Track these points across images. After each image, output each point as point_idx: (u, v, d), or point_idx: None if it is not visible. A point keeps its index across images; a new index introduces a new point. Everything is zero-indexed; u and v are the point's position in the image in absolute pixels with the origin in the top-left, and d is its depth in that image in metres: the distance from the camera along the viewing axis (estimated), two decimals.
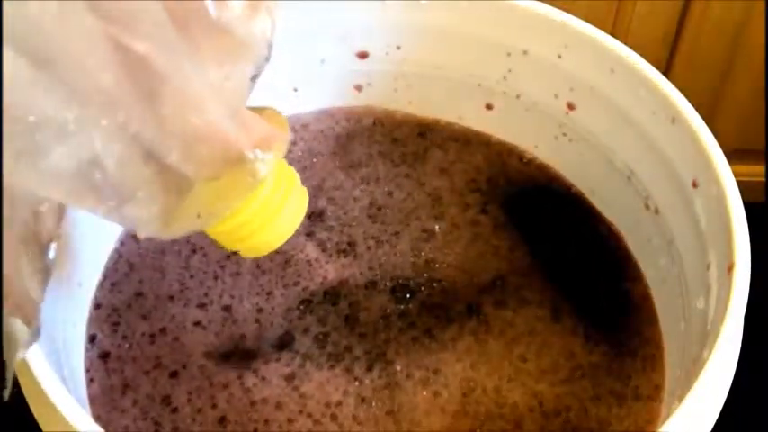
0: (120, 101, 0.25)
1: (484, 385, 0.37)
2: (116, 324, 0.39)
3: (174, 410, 0.36)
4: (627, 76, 0.41)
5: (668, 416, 0.30)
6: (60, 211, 0.30)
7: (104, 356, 0.38)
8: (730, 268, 0.34)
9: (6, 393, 0.28)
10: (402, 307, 0.40)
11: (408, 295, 0.40)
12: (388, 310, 0.40)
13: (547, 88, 0.44)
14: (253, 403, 0.36)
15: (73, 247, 0.38)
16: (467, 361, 0.38)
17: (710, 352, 0.31)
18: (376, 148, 0.46)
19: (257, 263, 0.41)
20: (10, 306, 0.28)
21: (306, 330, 0.39)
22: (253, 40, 0.27)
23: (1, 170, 0.25)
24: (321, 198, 0.44)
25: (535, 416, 0.37)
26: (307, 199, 0.34)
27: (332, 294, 0.40)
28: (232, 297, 0.40)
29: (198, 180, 0.28)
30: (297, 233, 0.42)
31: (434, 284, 0.41)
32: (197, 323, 0.39)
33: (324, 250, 0.42)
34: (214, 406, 0.36)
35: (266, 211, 0.31)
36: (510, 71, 0.45)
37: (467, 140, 0.47)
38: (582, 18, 0.42)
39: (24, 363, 0.30)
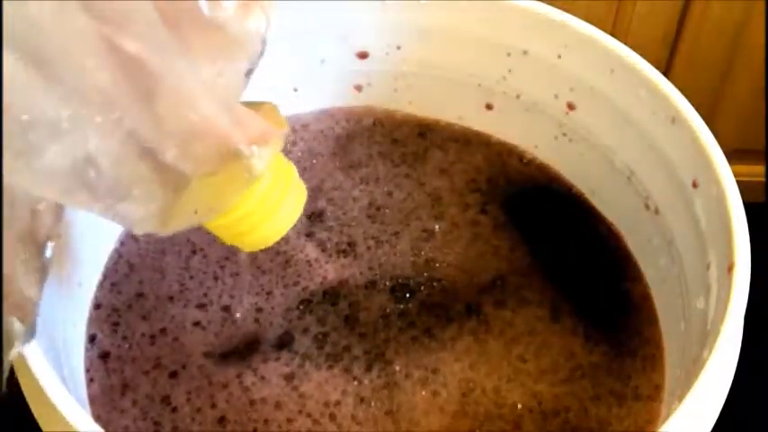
0: (115, 100, 0.25)
1: (483, 385, 0.37)
2: (116, 324, 0.39)
3: (174, 410, 0.36)
4: (627, 76, 0.41)
5: (668, 416, 0.30)
6: (58, 210, 0.30)
7: (104, 356, 0.38)
8: (730, 268, 0.34)
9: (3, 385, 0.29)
10: (402, 307, 0.40)
11: (408, 295, 0.40)
12: (388, 310, 0.40)
13: (547, 88, 0.44)
14: (252, 403, 0.36)
15: (73, 247, 0.38)
16: (466, 361, 0.38)
17: (710, 352, 0.31)
18: (376, 149, 0.46)
19: (257, 263, 0.41)
20: (8, 305, 0.28)
21: (305, 330, 0.39)
22: (246, 38, 0.27)
23: (1, 170, 0.25)
24: (321, 198, 0.44)
25: (534, 416, 0.37)
26: (305, 193, 0.34)
27: (331, 294, 0.40)
28: (232, 297, 0.40)
29: (195, 177, 0.28)
30: (297, 233, 0.42)
31: (434, 284, 0.41)
32: (196, 323, 0.39)
33: (323, 250, 0.42)
34: (213, 406, 0.36)
35: (264, 206, 0.31)
36: (510, 71, 0.45)
37: (467, 140, 0.47)
38: (582, 18, 0.42)
39: (24, 363, 0.30)
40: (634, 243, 0.43)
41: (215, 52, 0.27)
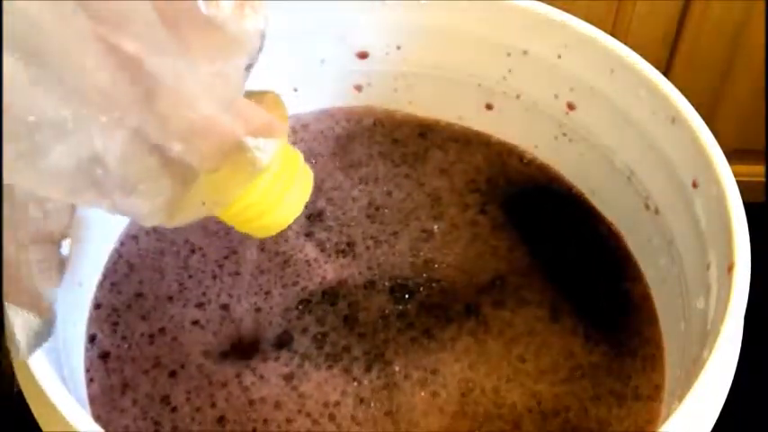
0: (116, 99, 0.26)
1: (482, 386, 0.37)
2: (116, 324, 0.39)
3: (174, 410, 0.36)
4: (627, 76, 0.41)
5: (668, 416, 0.30)
6: (71, 209, 0.30)
7: (104, 356, 0.38)
8: (730, 268, 0.34)
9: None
10: (401, 307, 0.40)
11: (407, 295, 0.40)
12: (387, 311, 0.39)
13: (547, 88, 0.44)
14: (251, 402, 0.36)
15: (73, 247, 0.38)
16: (465, 361, 0.38)
17: (710, 352, 0.31)
18: (376, 149, 0.46)
19: (256, 262, 0.41)
20: (23, 302, 0.29)
21: (304, 330, 0.39)
22: (245, 36, 0.28)
23: (1, 170, 0.25)
24: (320, 198, 0.44)
25: (534, 416, 0.36)
26: (312, 179, 0.34)
27: (331, 294, 0.40)
28: (230, 297, 0.40)
29: (201, 171, 0.28)
30: (296, 233, 0.42)
31: (433, 285, 0.41)
32: (195, 322, 0.39)
33: (323, 250, 0.42)
34: (213, 405, 0.36)
35: (271, 195, 0.31)
36: (510, 71, 0.45)
37: (467, 140, 0.47)
38: (582, 18, 0.42)
39: (24, 363, 0.30)
40: (634, 243, 0.43)
41: (214, 51, 0.27)
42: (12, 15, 0.23)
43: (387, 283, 0.40)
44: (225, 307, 0.39)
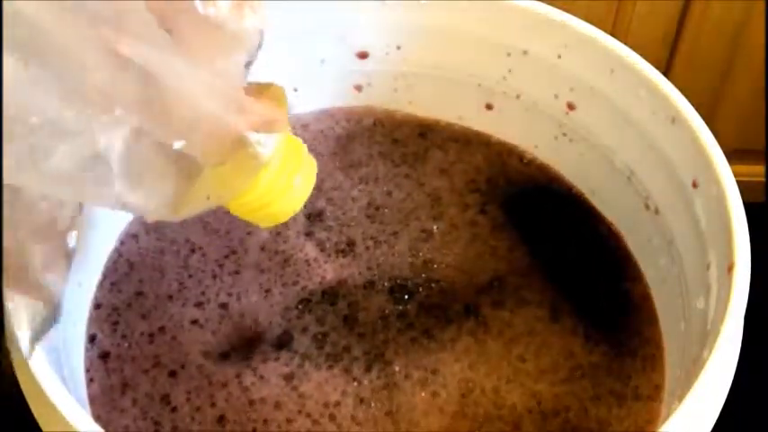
0: (118, 98, 0.26)
1: (482, 386, 0.37)
2: (116, 324, 0.39)
3: (174, 409, 0.36)
4: (627, 76, 0.41)
5: (668, 416, 0.30)
6: (79, 203, 0.31)
7: (104, 356, 0.38)
8: (730, 268, 0.34)
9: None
10: (400, 307, 0.40)
11: (407, 296, 0.40)
12: (387, 311, 0.39)
13: (547, 88, 0.44)
14: (251, 402, 0.36)
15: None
16: (465, 361, 0.38)
17: (710, 352, 0.31)
18: (376, 149, 0.46)
19: (256, 262, 0.41)
20: (29, 292, 0.29)
21: (304, 330, 0.39)
22: (244, 34, 0.28)
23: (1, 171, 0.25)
24: (320, 198, 0.44)
25: (534, 416, 0.36)
26: (316, 167, 0.34)
27: (330, 294, 0.40)
28: (230, 296, 0.40)
29: (204, 166, 0.28)
30: (296, 233, 0.42)
31: (432, 285, 0.41)
32: (195, 322, 0.39)
33: (323, 250, 0.42)
34: (213, 405, 0.36)
35: (275, 187, 0.31)
36: (510, 71, 0.45)
37: (467, 140, 0.47)
38: (582, 18, 0.42)
39: (24, 363, 0.30)
40: (634, 243, 0.43)
41: (214, 49, 0.28)
42: (12, 16, 0.23)
43: (386, 284, 0.40)
44: (225, 306, 0.39)
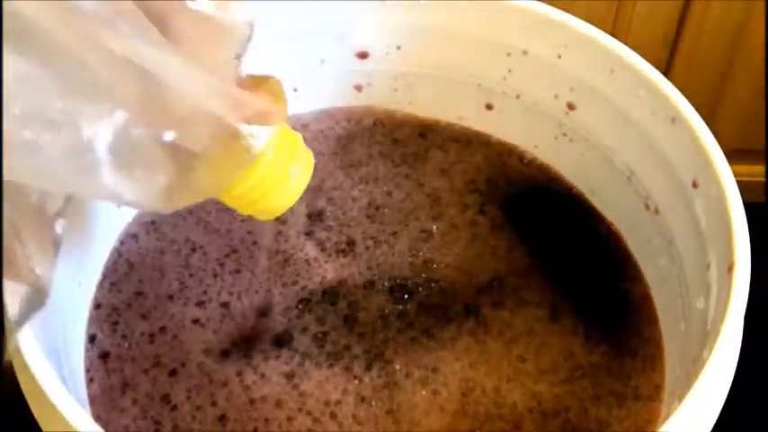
0: (108, 91, 0.26)
1: (483, 385, 0.37)
2: (116, 324, 0.39)
3: (174, 409, 0.36)
4: (627, 76, 0.41)
5: (668, 416, 0.30)
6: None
7: (104, 356, 0.38)
8: (730, 268, 0.34)
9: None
10: (400, 307, 0.40)
11: (406, 296, 0.40)
12: (387, 311, 0.39)
13: (547, 88, 0.44)
14: (252, 401, 0.36)
15: (72, 246, 0.38)
16: (465, 360, 0.38)
17: (710, 352, 0.31)
18: (376, 149, 0.46)
19: (257, 261, 0.41)
20: (16, 275, 0.29)
21: (305, 329, 0.39)
22: (233, 25, 0.28)
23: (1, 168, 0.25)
24: (320, 198, 0.44)
25: (534, 416, 0.37)
26: (312, 160, 0.34)
27: (330, 294, 0.40)
28: (231, 295, 0.40)
29: (197, 157, 0.28)
30: (296, 232, 0.42)
31: (432, 285, 0.41)
32: (195, 321, 0.39)
33: (323, 250, 0.42)
34: (214, 404, 0.36)
35: (270, 179, 0.31)
36: (510, 71, 0.45)
37: (467, 141, 0.47)
38: (582, 18, 0.42)
39: (24, 363, 0.30)
40: (634, 243, 0.43)
41: (203, 41, 0.28)
42: (10, 14, 0.23)
43: (386, 284, 0.40)
44: (225, 305, 0.39)
